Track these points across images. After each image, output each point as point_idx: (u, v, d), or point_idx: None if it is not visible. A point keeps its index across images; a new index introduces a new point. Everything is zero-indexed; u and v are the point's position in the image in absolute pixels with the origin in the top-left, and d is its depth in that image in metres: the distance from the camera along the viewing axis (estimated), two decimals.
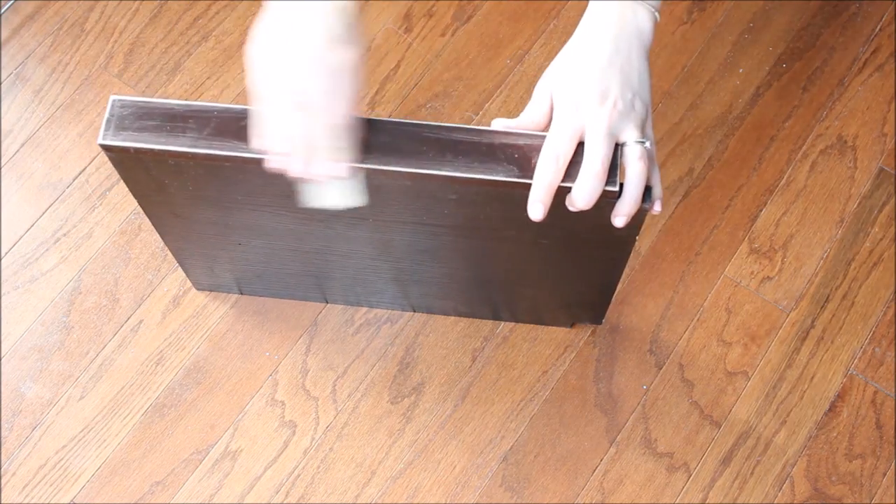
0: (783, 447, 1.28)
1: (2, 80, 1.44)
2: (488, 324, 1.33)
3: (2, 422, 1.27)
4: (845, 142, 1.42)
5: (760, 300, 1.34)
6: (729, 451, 1.27)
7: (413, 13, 1.49)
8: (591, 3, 0.93)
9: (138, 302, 1.33)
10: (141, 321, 1.32)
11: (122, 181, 1.24)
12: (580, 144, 0.89)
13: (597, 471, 1.27)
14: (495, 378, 1.31)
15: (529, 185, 0.90)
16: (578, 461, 1.27)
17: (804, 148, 1.42)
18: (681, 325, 1.33)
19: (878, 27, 1.49)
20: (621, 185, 0.90)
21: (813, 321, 1.33)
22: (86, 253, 1.35)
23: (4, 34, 1.47)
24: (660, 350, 1.32)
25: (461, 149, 0.91)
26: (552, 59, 0.94)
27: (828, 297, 1.34)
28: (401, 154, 0.91)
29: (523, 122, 0.93)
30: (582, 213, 0.91)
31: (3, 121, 1.42)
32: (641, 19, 0.92)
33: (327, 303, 1.33)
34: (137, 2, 1.49)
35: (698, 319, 1.33)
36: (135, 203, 1.37)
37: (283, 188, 0.96)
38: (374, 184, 0.94)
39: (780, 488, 1.26)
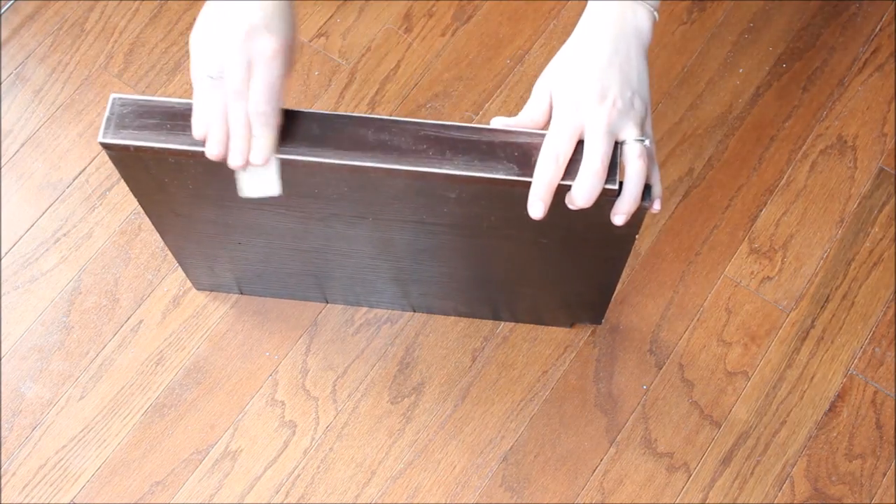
0: (783, 447, 1.28)
1: (2, 80, 1.44)
2: (488, 324, 1.33)
3: (2, 422, 1.27)
4: (845, 142, 1.42)
5: (760, 300, 1.34)
6: (729, 451, 1.27)
7: (413, 13, 1.49)
8: (589, 2, 0.93)
9: (138, 302, 1.33)
10: (141, 321, 1.32)
11: (122, 181, 1.25)
12: (580, 143, 0.89)
13: (597, 471, 1.27)
14: (495, 378, 1.31)
15: (529, 183, 0.90)
16: (578, 461, 1.27)
17: (804, 148, 1.42)
18: (681, 325, 1.33)
19: (878, 27, 1.49)
20: (621, 184, 0.90)
21: (813, 321, 1.33)
22: (86, 253, 1.35)
23: (4, 34, 1.47)
24: (660, 350, 1.32)
25: (461, 147, 0.91)
26: (552, 58, 0.94)
27: (828, 297, 1.34)
28: (400, 152, 0.91)
29: (522, 121, 0.93)
30: (582, 211, 0.91)
31: (3, 121, 1.42)
32: (640, 19, 0.93)
33: (327, 303, 1.33)
34: (137, 2, 1.49)
35: (698, 319, 1.33)
36: (135, 203, 1.37)
37: (282, 187, 0.96)
38: (373, 182, 0.94)
39: (780, 488, 1.26)
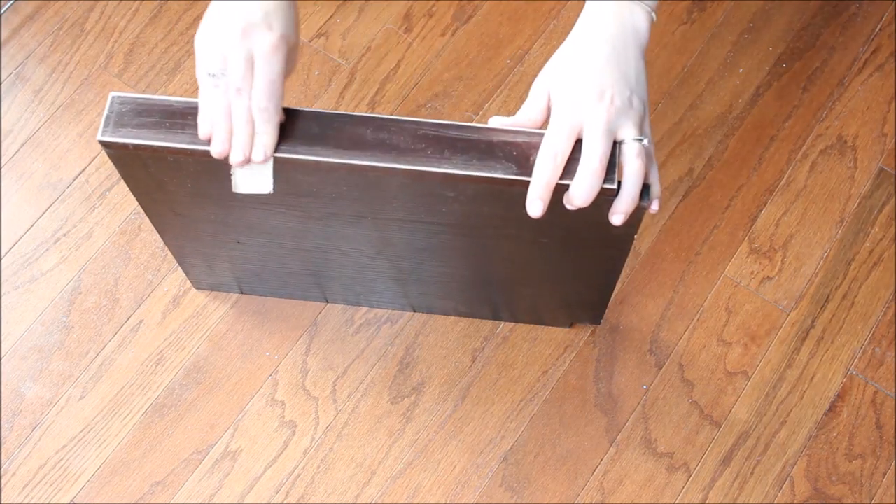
0: (783, 447, 1.27)
1: (2, 80, 1.44)
2: (488, 324, 1.33)
3: (2, 422, 1.27)
4: (845, 142, 1.42)
5: (760, 300, 1.34)
6: (729, 451, 1.27)
7: (413, 13, 1.49)
8: (587, 2, 0.94)
9: (138, 302, 1.33)
10: (141, 321, 1.32)
11: (122, 181, 1.25)
12: (578, 142, 0.89)
13: (597, 471, 1.26)
14: (495, 378, 1.31)
15: (528, 182, 0.90)
16: (578, 461, 1.27)
17: (804, 148, 1.42)
18: (681, 325, 1.33)
19: (878, 27, 1.49)
20: (619, 184, 0.90)
21: (813, 321, 1.33)
22: (86, 253, 1.35)
23: (4, 34, 1.47)
24: (660, 350, 1.32)
25: (459, 146, 0.91)
26: (550, 58, 0.95)
27: (828, 297, 1.34)
28: (399, 151, 0.91)
29: (520, 120, 0.93)
30: (580, 211, 0.91)
31: (3, 121, 1.42)
32: (638, 19, 0.93)
33: (327, 302, 1.33)
34: (137, 2, 1.49)
35: (698, 319, 1.33)
36: (135, 203, 1.37)
37: (281, 185, 0.96)
38: (372, 181, 0.94)
39: (780, 488, 1.26)
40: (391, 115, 1.41)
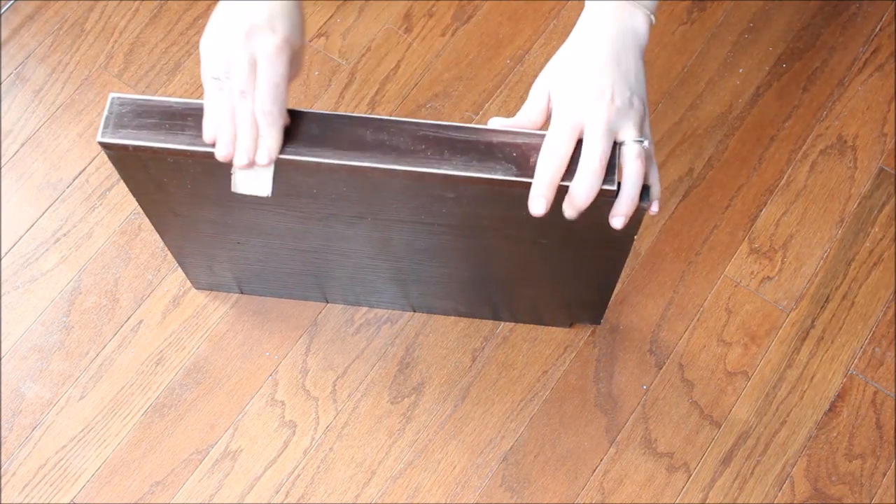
0: (783, 447, 1.27)
1: (2, 80, 1.44)
2: (488, 324, 1.33)
3: (2, 422, 1.27)
4: (845, 142, 1.42)
5: (760, 300, 1.34)
6: (729, 451, 1.27)
7: (413, 13, 1.49)
8: (587, 3, 0.94)
9: (138, 302, 1.33)
10: (141, 321, 1.32)
11: (121, 181, 1.24)
12: (579, 143, 0.89)
13: (597, 471, 1.26)
14: (495, 378, 1.31)
15: (528, 183, 0.90)
16: (578, 461, 1.27)
17: (804, 148, 1.42)
18: (681, 325, 1.33)
19: (878, 27, 1.49)
20: (619, 185, 0.90)
21: (813, 321, 1.33)
22: (86, 253, 1.35)
23: (4, 34, 1.47)
24: (660, 350, 1.32)
25: (459, 147, 0.91)
26: (550, 59, 0.95)
27: (828, 297, 1.34)
28: (399, 153, 0.91)
29: (520, 121, 0.93)
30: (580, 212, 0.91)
31: (3, 121, 1.42)
32: (637, 21, 0.93)
33: (327, 302, 1.33)
34: (137, 2, 1.49)
35: (698, 319, 1.33)
36: (135, 203, 1.37)
37: (281, 186, 0.96)
38: (371, 182, 0.94)
39: (780, 488, 1.26)
40: (391, 115, 1.42)
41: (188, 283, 1.34)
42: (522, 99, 1.43)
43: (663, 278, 1.35)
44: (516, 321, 1.32)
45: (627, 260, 1.25)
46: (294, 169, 0.93)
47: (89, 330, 1.32)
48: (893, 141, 1.42)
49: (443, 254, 1.11)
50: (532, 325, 1.32)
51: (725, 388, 1.30)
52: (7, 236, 1.36)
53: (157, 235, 1.29)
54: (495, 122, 0.93)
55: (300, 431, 1.28)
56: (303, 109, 0.93)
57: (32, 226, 1.37)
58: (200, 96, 1.42)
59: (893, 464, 1.27)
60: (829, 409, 1.29)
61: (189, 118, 0.92)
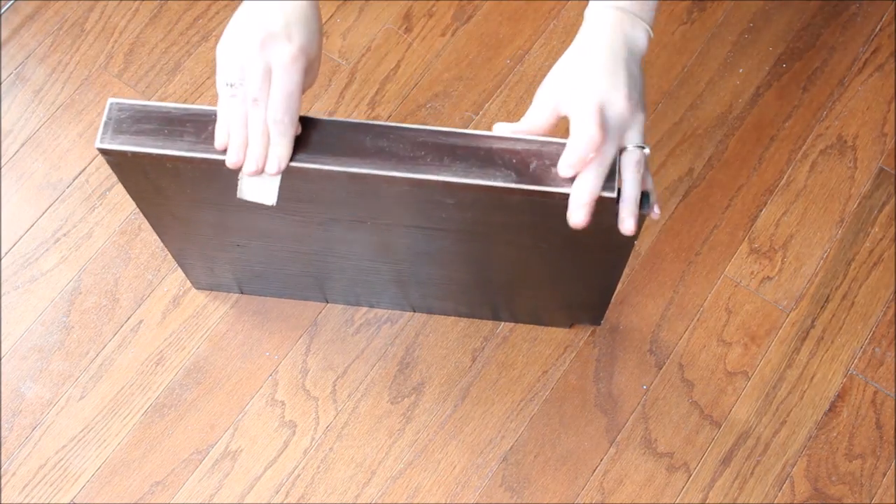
0: (783, 447, 1.28)
1: (2, 80, 1.44)
2: (488, 324, 1.33)
3: (2, 422, 1.27)
4: (845, 142, 1.42)
5: (760, 300, 1.34)
6: (729, 451, 1.27)
7: (413, 13, 1.49)
8: (587, 14, 0.93)
9: (138, 302, 1.33)
10: (141, 321, 1.32)
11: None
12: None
13: (597, 471, 1.27)
14: (495, 378, 1.31)
15: (527, 190, 0.89)
16: (578, 461, 1.27)
17: (804, 148, 1.42)
18: (681, 325, 1.33)
19: (878, 27, 1.49)
20: (619, 192, 0.90)
21: (813, 321, 1.33)
22: (86, 253, 1.35)
23: (4, 34, 1.47)
24: (660, 350, 1.32)
25: (459, 154, 0.91)
26: (552, 59, 0.95)
27: (828, 297, 1.34)
28: (398, 159, 0.91)
29: (524, 127, 0.92)
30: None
31: (3, 121, 1.42)
32: (637, 32, 0.93)
33: (327, 302, 1.33)
34: (137, 2, 1.49)
35: (698, 319, 1.33)
36: (135, 203, 1.37)
37: (281, 191, 0.95)
38: (371, 188, 0.94)
39: (780, 488, 1.26)
40: (391, 115, 1.42)
41: (188, 283, 1.34)
42: (523, 99, 1.43)
43: (663, 278, 1.35)
44: (516, 321, 1.32)
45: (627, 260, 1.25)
46: (294, 174, 0.93)
47: (89, 330, 1.32)
48: (893, 141, 1.42)
49: (443, 257, 1.11)
50: (532, 326, 1.32)
51: (725, 388, 1.30)
52: (7, 236, 1.36)
53: (157, 236, 1.29)
54: (500, 128, 0.93)
55: (300, 431, 1.28)
56: (303, 115, 0.93)
57: (32, 226, 1.37)
58: (200, 97, 1.42)
59: (893, 464, 1.27)
60: (829, 409, 1.29)
61: (188, 124, 0.92)
